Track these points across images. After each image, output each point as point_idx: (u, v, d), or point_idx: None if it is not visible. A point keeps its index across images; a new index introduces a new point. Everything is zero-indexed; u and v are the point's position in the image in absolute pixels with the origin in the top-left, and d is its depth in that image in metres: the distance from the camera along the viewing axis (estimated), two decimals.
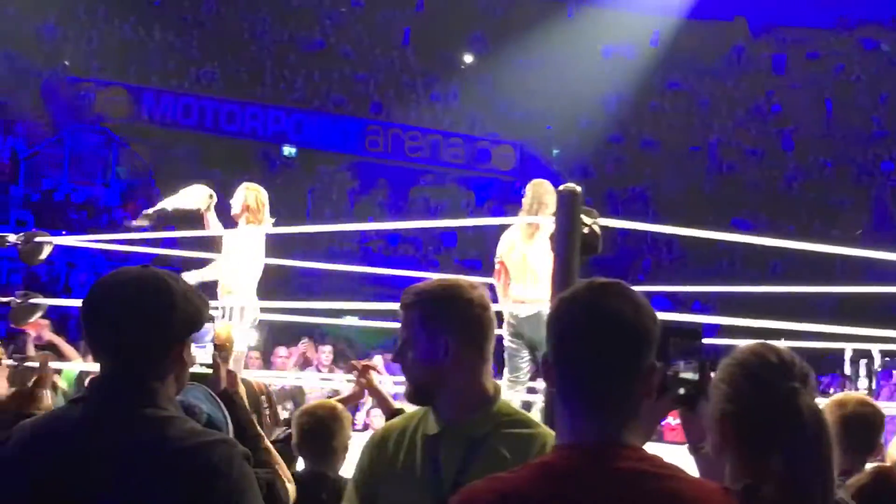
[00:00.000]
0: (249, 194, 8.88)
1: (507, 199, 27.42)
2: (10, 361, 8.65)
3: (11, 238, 8.86)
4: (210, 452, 2.59)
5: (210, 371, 3.41)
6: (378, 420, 12.19)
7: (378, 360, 13.72)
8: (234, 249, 8.78)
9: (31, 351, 9.11)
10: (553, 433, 2.62)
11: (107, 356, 2.69)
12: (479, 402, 3.18)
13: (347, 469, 5.04)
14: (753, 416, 2.52)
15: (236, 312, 8.47)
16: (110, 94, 26.48)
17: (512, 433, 3.11)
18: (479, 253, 24.99)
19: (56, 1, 28.04)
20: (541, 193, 8.34)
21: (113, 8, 29.02)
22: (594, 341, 2.26)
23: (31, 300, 8.79)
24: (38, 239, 8.79)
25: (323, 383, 11.91)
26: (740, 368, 2.59)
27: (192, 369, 2.90)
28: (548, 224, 7.94)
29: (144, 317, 2.66)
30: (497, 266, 8.45)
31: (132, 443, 2.58)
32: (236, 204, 8.86)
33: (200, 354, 3.11)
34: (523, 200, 8.45)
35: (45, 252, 8.85)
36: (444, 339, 3.13)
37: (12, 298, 8.73)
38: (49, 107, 25.88)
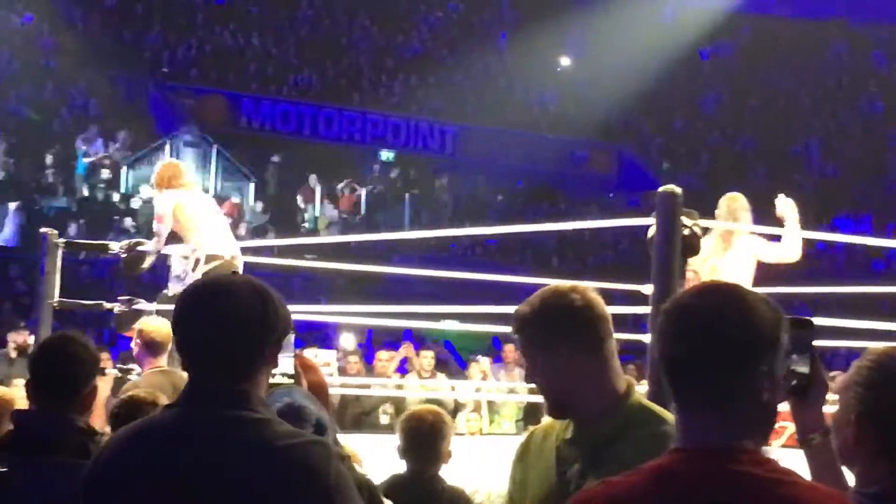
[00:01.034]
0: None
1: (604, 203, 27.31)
2: (115, 371, 8.76)
3: (115, 247, 8.96)
4: (307, 453, 2.59)
5: (291, 381, 3.40)
6: (473, 424, 12.20)
7: (485, 362, 13.71)
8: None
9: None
10: None
11: (200, 360, 2.71)
12: (609, 402, 3.15)
13: (447, 473, 5.10)
14: (892, 419, 2.49)
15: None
16: (209, 101, 26.78)
17: (641, 432, 3.06)
18: (575, 256, 24.93)
19: (158, 8, 28.44)
20: (735, 208, 8.34)
21: (211, 15, 29.36)
22: (712, 344, 2.20)
23: (135, 305, 8.86)
24: (140, 248, 8.87)
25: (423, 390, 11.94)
26: (878, 371, 2.55)
27: (271, 379, 2.91)
28: (745, 237, 8.02)
29: (240, 322, 2.67)
30: (690, 275, 8.41)
31: (229, 446, 2.59)
32: None
33: (283, 363, 3.11)
34: (716, 213, 8.40)
35: (148, 261, 8.94)
36: (560, 351, 3.10)
37: (116, 304, 8.80)
38: (150, 114, 26.21)
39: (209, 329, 2.68)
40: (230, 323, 2.67)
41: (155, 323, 7.30)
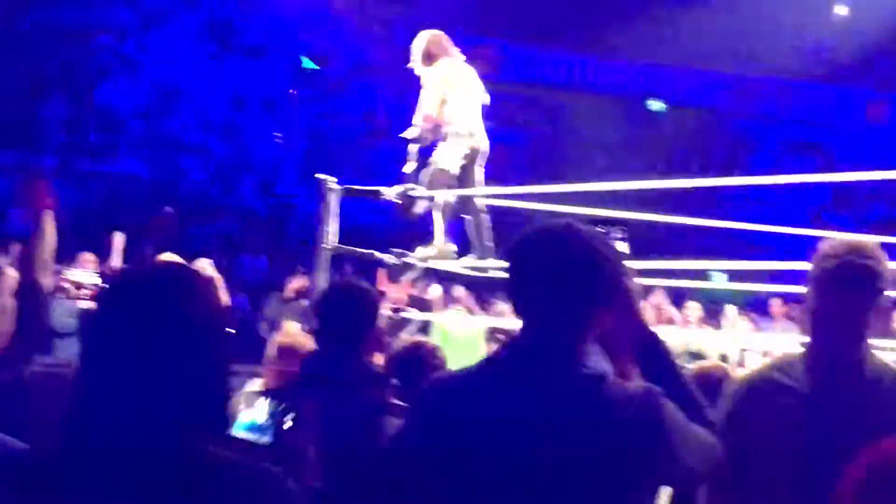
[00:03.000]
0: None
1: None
2: (388, 312, 8.90)
3: (387, 192, 9.04)
4: (649, 403, 2.64)
5: None
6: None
7: (731, 310, 13.47)
8: None
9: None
10: None
11: (535, 314, 2.71)
12: (866, 361, 3.30)
13: None
14: None
15: None
16: (478, 52, 26.87)
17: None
18: (849, 209, 24.17)
19: None
20: None
21: None
22: None
23: (405, 258, 8.96)
24: (412, 193, 8.96)
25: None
26: None
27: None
28: None
29: (580, 279, 2.67)
30: None
31: (571, 401, 2.62)
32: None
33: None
34: None
35: (421, 206, 9.02)
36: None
37: (387, 255, 8.91)
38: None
39: (549, 285, 2.68)
40: (571, 281, 2.66)
41: None
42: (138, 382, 2.22)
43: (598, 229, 2.90)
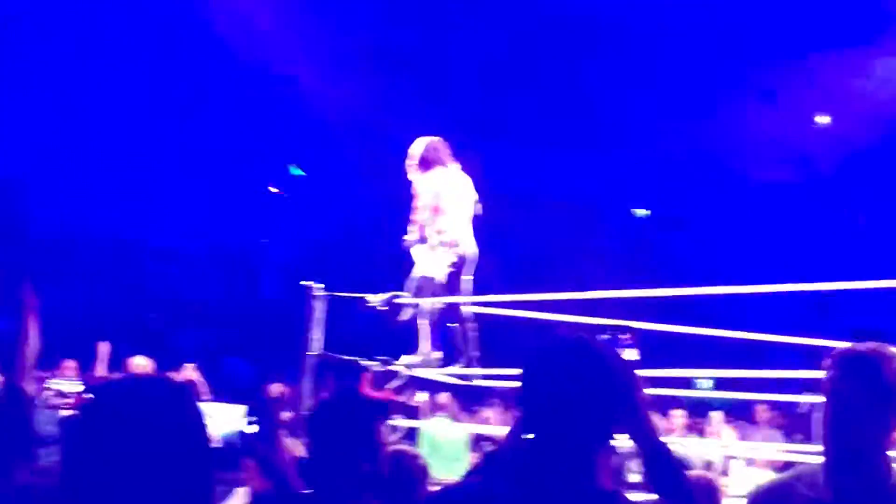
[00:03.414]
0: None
1: None
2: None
3: (372, 299, 9.01)
4: None
5: None
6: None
7: (717, 417, 13.42)
8: None
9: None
10: None
11: (548, 429, 2.70)
12: (885, 472, 3.26)
13: None
14: None
15: None
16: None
17: None
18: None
19: None
20: None
21: None
22: None
23: (389, 366, 8.91)
24: (398, 300, 8.95)
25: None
26: None
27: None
28: None
29: (594, 395, 2.67)
30: None
31: None
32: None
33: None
34: None
35: (407, 313, 9.01)
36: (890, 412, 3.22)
37: (373, 362, 8.86)
38: None
39: (566, 400, 2.66)
40: (580, 394, 2.66)
41: None
42: (122, 496, 2.20)
43: (606, 336, 2.89)
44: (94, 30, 21.69)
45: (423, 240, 8.97)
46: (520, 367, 2.75)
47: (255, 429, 2.83)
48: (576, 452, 2.64)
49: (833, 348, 3.43)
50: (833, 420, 3.30)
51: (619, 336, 2.97)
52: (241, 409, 2.58)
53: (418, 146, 9.14)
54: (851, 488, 3.27)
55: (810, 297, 24.53)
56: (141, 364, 12.35)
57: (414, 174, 9.07)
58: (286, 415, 11.53)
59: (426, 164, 9.03)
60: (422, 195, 8.94)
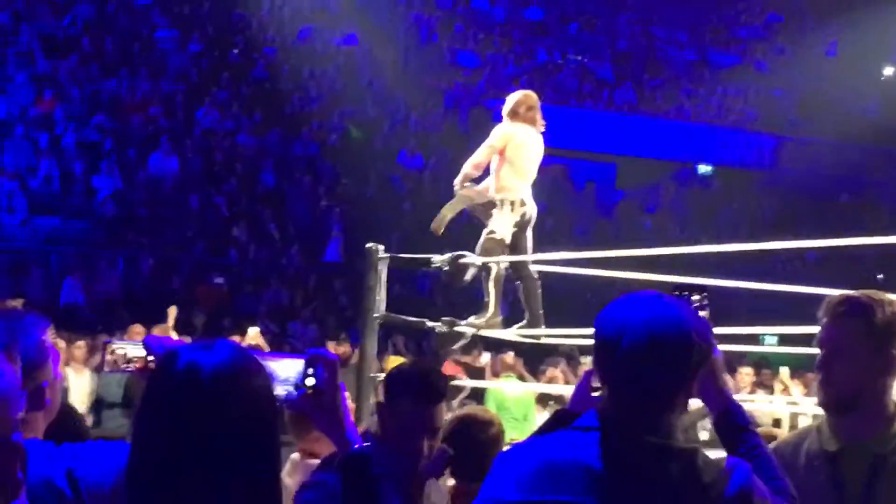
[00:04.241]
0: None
1: None
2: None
3: (437, 260, 8.97)
4: (740, 478, 2.63)
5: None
6: None
7: (784, 374, 13.32)
8: None
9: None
10: None
11: (625, 388, 2.68)
12: (888, 417, 3.17)
13: None
14: None
15: None
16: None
17: None
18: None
19: (476, 28, 28.95)
20: None
21: (529, 34, 29.69)
22: None
23: (456, 327, 8.86)
24: (463, 260, 8.90)
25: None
26: None
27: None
28: None
29: (670, 353, 2.65)
30: None
31: (662, 475, 2.60)
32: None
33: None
34: None
35: (470, 274, 8.97)
36: (887, 354, 3.13)
37: (437, 324, 8.81)
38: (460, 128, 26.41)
39: (639, 360, 2.64)
40: (661, 356, 2.64)
41: None
42: (193, 472, 2.24)
43: (680, 295, 2.88)
44: None
45: (478, 180, 9.03)
46: (590, 325, 2.75)
47: (312, 382, 2.81)
48: (653, 409, 2.63)
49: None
50: (829, 366, 3.27)
51: (693, 295, 2.95)
52: (300, 364, 2.58)
53: (515, 95, 9.22)
54: (853, 435, 3.23)
55: (877, 251, 24.33)
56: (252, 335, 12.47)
57: (503, 119, 9.15)
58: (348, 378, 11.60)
59: (513, 114, 9.08)
60: (492, 139, 8.99)
